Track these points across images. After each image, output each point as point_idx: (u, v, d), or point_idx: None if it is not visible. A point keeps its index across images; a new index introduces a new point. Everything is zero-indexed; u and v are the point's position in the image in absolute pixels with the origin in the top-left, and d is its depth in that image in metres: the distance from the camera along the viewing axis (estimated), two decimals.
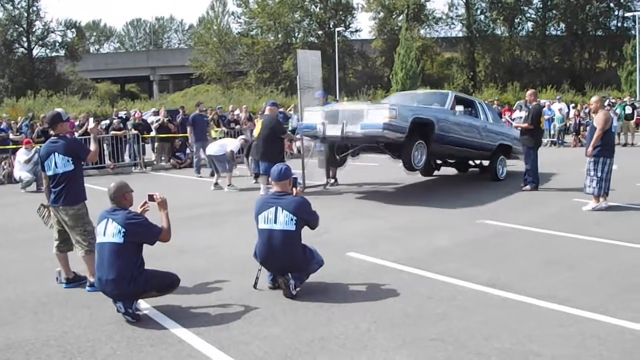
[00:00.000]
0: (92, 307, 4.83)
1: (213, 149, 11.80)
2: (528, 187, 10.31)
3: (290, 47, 46.11)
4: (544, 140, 16.89)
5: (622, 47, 39.00)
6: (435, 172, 12.66)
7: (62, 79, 46.22)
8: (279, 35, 48.32)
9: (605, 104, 15.92)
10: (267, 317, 4.53)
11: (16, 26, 45.38)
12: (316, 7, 49.10)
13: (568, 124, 20.82)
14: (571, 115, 21.25)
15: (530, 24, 49.12)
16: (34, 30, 46.23)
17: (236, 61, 49.01)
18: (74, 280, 5.46)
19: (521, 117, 15.65)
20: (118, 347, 4.05)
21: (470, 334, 4.10)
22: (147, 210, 4.79)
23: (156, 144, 16.55)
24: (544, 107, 17.07)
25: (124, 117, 18.47)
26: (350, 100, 27.44)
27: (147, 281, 4.51)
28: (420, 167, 9.84)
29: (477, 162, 12.53)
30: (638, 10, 38.26)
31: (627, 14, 43.15)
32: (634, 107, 19.72)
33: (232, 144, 12.04)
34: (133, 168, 15.93)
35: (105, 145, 15.47)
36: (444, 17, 49.10)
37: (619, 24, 47.55)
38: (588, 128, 9.59)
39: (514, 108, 21.05)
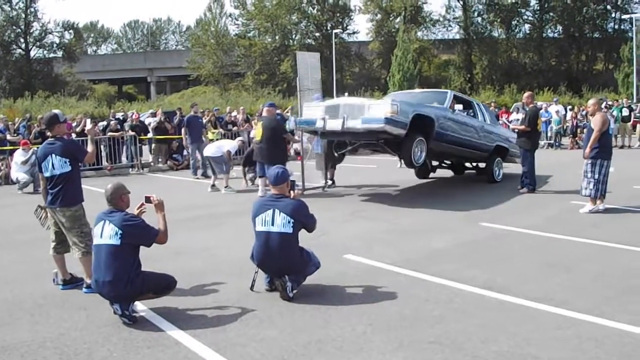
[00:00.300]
0: (89, 309, 4.82)
1: (210, 150, 11.82)
2: (525, 189, 10.32)
3: (287, 49, 46.22)
4: (541, 143, 16.90)
5: (619, 49, 39.22)
6: (431, 175, 12.67)
7: (59, 80, 46.24)
8: (277, 37, 48.41)
9: (602, 106, 15.98)
10: (263, 319, 4.53)
11: (14, 27, 45.41)
12: (313, 9, 49.23)
13: (565, 127, 20.85)
14: (568, 117, 21.29)
15: (527, 26, 49.41)
16: (31, 31, 46.25)
17: (233, 63, 49.09)
18: (71, 282, 5.45)
19: (518, 120, 15.63)
20: (115, 349, 4.04)
21: (467, 336, 4.09)
22: (144, 212, 4.79)
23: (153, 146, 16.57)
24: (541, 109, 17.08)
25: (121, 118, 18.47)
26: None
27: (144, 283, 4.51)
28: (420, 164, 9.80)
29: (474, 164, 12.55)
30: (635, 13, 38.38)
31: (624, 17, 43.33)
32: (630, 110, 19.76)
33: (229, 145, 12.05)
34: (130, 169, 15.91)
35: (102, 146, 15.45)
36: (441, 19, 49.41)
37: (616, 27, 47.76)
38: (585, 130, 9.59)
39: (511, 110, 21.08)
